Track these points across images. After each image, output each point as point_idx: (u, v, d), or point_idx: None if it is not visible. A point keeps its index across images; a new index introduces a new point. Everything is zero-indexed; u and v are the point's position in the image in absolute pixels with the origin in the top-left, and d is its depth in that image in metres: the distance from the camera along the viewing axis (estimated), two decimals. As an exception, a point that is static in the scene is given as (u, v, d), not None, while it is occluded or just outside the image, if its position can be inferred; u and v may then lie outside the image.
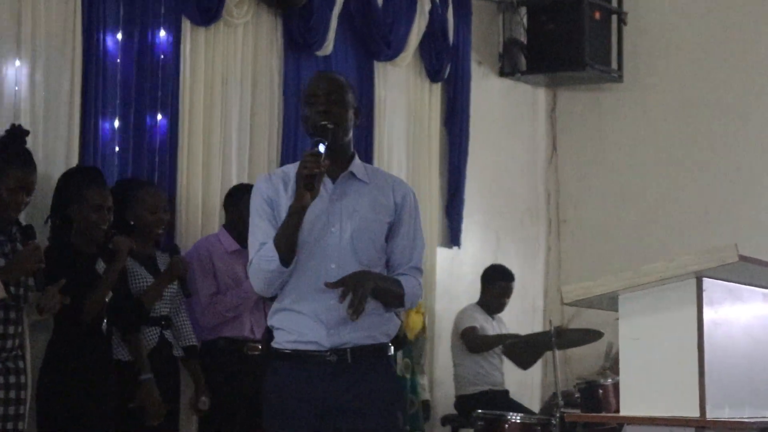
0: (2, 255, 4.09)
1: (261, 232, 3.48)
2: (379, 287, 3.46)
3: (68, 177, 4.70)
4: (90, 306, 4.49)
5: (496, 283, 6.94)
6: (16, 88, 4.82)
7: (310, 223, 3.44)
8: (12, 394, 4.08)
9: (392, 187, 3.60)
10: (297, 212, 3.37)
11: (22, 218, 4.49)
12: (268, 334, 3.64)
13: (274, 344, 3.53)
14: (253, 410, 5.01)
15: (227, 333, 5.24)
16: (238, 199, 5.33)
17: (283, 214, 3.42)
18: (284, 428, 3.47)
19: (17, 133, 4.32)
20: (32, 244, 4.07)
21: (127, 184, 5.04)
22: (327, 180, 3.48)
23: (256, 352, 5.27)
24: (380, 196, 3.57)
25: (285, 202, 3.46)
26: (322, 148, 3.38)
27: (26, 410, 4.16)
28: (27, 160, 4.25)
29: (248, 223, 5.22)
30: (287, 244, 3.39)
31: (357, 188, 3.54)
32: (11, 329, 4.09)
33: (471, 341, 6.75)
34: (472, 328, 6.76)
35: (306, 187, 3.34)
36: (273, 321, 3.53)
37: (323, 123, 3.45)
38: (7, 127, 4.38)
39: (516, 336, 6.77)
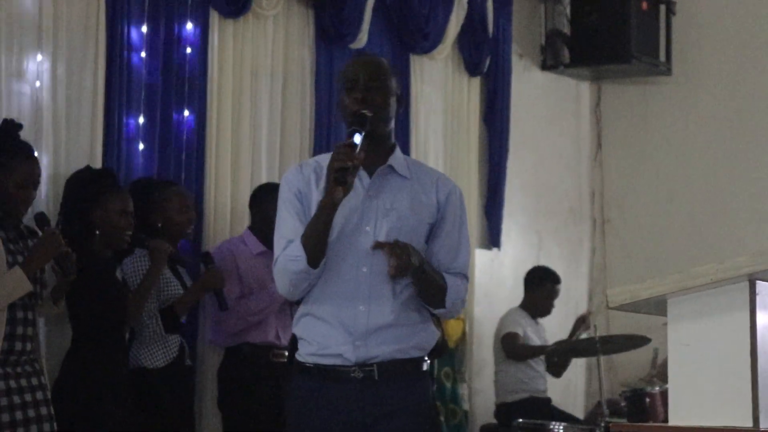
0: (18, 253, 4.06)
1: (288, 228, 3.24)
2: (426, 269, 3.20)
3: (84, 180, 4.59)
4: (133, 311, 4.54)
5: (544, 285, 6.86)
6: (38, 83, 4.74)
7: (342, 222, 3.20)
8: (39, 395, 4.08)
9: (436, 183, 3.35)
10: (327, 209, 3.14)
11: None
12: (293, 342, 3.40)
13: (297, 356, 3.29)
14: (277, 419, 4.93)
15: (252, 339, 5.13)
16: (263, 199, 5.27)
17: (314, 210, 3.19)
18: None
19: (10, 127, 4.20)
20: (49, 230, 4.04)
21: (147, 185, 4.95)
22: (363, 174, 3.24)
23: (282, 359, 5.15)
24: (422, 193, 3.31)
25: (316, 196, 3.23)
26: (358, 138, 3.14)
27: (52, 410, 4.13)
28: (30, 154, 4.17)
29: (274, 224, 5.17)
30: (316, 243, 3.16)
31: (396, 184, 3.28)
32: (29, 330, 4.09)
33: (511, 348, 6.66)
34: (514, 335, 6.68)
35: (337, 181, 3.09)
36: (297, 329, 3.30)
37: (362, 111, 3.21)
38: (7, 120, 4.27)
39: (560, 343, 6.62)
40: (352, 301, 3.19)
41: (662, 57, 7.77)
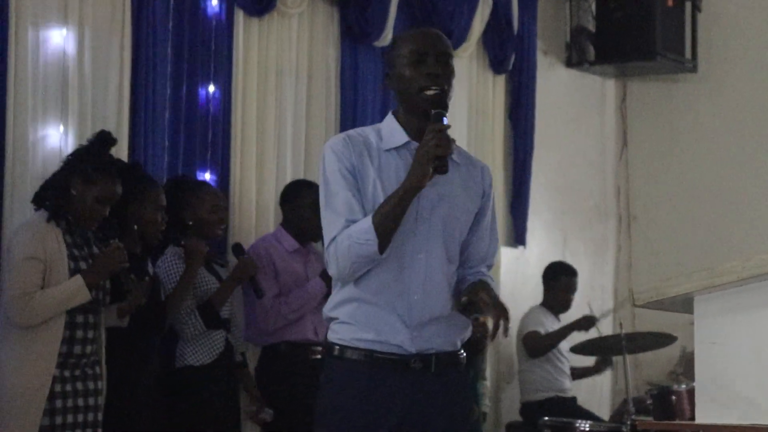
0: (82, 259, 4.10)
1: (344, 205, 3.04)
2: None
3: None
4: (169, 313, 4.55)
5: (559, 279, 6.83)
6: (64, 55, 4.72)
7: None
8: (91, 401, 4.11)
9: (482, 170, 3.26)
10: (412, 193, 3.00)
11: None
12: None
13: (338, 341, 3.11)
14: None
15: (289, 337, 5.12)
16: (295, 196, 5.27)
17: (369, 188, 3.05)
18: None
19: (105, 140, 4.24)
20: (114, 244, 4.08)
21: (180, 184, 4.95)
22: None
23: (320, 356, 5.13)
24: (470, 180, 3.22)
25: (372, 174, 3.06)
26: (446, 120, 3.02)
27: (101, 417, 4.16)
28: (113, 173, 4.20)
29: (307, 222, 5.18)
30: (393, 228, 3.01)
31: (450, 169, 3.11)
32: (90, 334, 4.12)
33: (532, 346, 6.61)
34: (535, 333, 6.62)
35: (438, 169, 2.97)
36: (337, 312, 3.12)
37: (440, 90, 3.07)
38: (104, 132, 4.34)
39: (579, 322, 6.58)
40: (407, 288, 3.08)
41: (688, 54, 7.72)
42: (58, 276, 4.01)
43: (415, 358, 3.08)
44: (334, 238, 3.04)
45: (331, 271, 3.09)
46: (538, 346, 6.62)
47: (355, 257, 3.01)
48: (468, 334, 3.24)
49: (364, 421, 3.08)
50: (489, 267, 3.29)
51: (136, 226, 4.47)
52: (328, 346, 3.15)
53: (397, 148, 3.13)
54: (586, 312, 6.64)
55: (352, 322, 3.10)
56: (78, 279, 4.00)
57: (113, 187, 4.16)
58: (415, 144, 3.09)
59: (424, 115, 3.08)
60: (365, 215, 3.04)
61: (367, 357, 3.08)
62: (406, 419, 3.09)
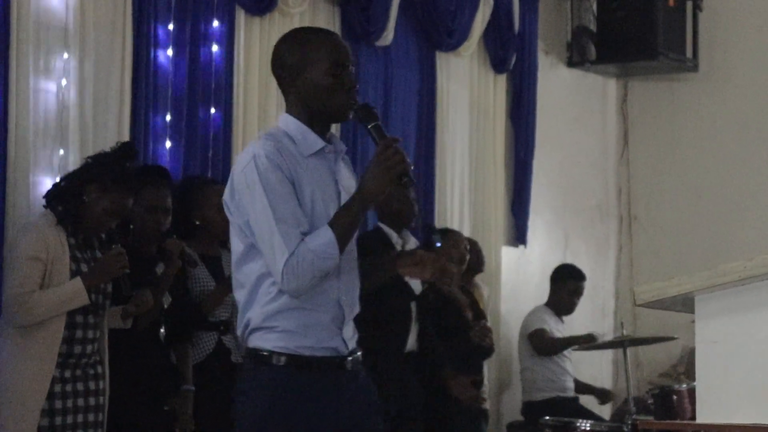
0: (84, 261, 4.09)
1: (295, 217, 2.94)
2: None
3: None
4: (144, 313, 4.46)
5: (567, 282, 6.82)
6: (65, 82, 4.73)
7: (327, 203, 3.04)
8: (92, 401, 4.10)
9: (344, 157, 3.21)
10: (370, 204, 3.02)
11: None
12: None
13: (274, 348, 3.01)
14: None
15: None
16: None
17: (307, 196, 2.97)
18: None
19: (128, 152, 4.23)
20: (116, 249, 4.07)
21: (191, 182, 4.91)
22: (331, 156, 3.09)
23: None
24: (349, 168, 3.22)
25: (309, 183, 2.99)
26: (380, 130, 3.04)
27: (105, 417, 4.15)
28: (130, 187, 4.21)
29: None
30: (350, 239, 2.99)
31: (341, 162, 3.15)
32: (90, 334, 4.10)
33: (540, 344, 6.61)
34: (542, 331, 6.63)
35: (405, 183, 2.97)
36: (274, 322, 3.02)
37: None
38: (126, 144, 4.37)
39: (587, 337, 6.59)
40: (341, 291, 3.05)
41: (689, 53, 7.71)
42: (60, 277, 4.00)
43: (346, 358, 3.07)
44: (293, 253, 2.92)
45: (288, 286, 2.95)
46: (546, 345, 6.62)
47: (318, 271, 2.95)
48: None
49: (310, 424, 3.02)
50: None
51: (131, 226, 4.45)
52: (258, 353, 3.03)
53: (315, 153, 3.04)
54: (592, 331, 6.69)
55: (292, 329, 3.01)
56: (77, 282, 3.99)
57: (125, 201, 4.13)
58: (329, 147, 3.06)
59: (335, 120, 3.09)
60: (307, 223, 2.98)
61: (312, 360, 3.02)
62: (346, 418, 3.06)
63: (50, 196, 4.14)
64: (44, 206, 4.15)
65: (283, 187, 2.94)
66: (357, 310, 3.14)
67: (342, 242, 2.95)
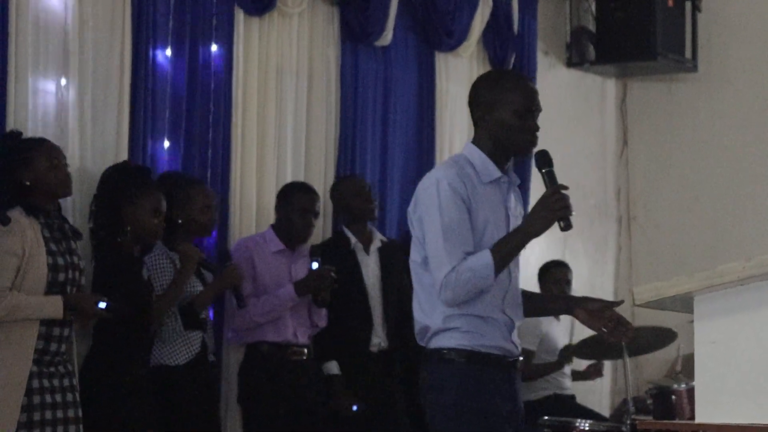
0: (60, 254, 4.07)
1: (462, 237, 3.37)
2: None
3: (119, 176, 4.57)
4: (157, 315, 4.53)
5: (550, 272, 6.79)
6: (64, 81, 4.72)
7: (498, 227, 3.47)
8: (69, 397, 4.09)
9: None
10: (531, 239, 3.40)
11: (69, 216, 4.47)
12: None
13: (466, 347, 3.42)
14: (295, 416, 4.94)
15: (269, 337, 5.14)
16: (286, 198, 5.28)
17: (480, 220, 3.39)
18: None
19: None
20: (94, 297, 4.14)
21: (173, 180, 4.91)
22: (505, 186, 3.51)
23: (299, 357, 5.18)
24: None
25: (481, 205, 3.41)
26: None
27: (80, 413, 4.14)
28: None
29: (294, 225, 5.20)
30: (507, 265, 3.40)
31: (513, 192, 3.59)
32: (66, 332, 4.10)
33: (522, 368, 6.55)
34: (526, 353, 6.52)
35: (566, 228, 3.38)
36: (456, 323, 3.43)
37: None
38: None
39: (564, 358, 6.56)
40: (507, 301, 3.48)
41: (688, 54, 7.69)
42: (37, 270, 3.97)
43: (517, 359, 3.52)
44: (454, 268, 3.33)
45: (445, 297, 3.36)
46: (524, 370, 6.55)
47: (474, 288, 3.35)
48: None
49: (502, 413, 3.44)
50: None
51: (129, 228, 4.46)
52: (443, 352, 3.44)
53: (492, 182, 3.46)
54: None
55: (474, 330, 3.42)
56: (58, 300, 3.98)
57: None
58: (504, 178, 3.49)
59: (514, 156, 3.52)
60: (473, 244, 3.38)
61: (496, 358, 3.44)
62: (517, 410, 3.51)
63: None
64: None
65: (457, 211, 3.36)
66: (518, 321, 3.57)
67: (499, 266, 3.35)
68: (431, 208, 3.38)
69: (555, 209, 3.35)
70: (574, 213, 3.41)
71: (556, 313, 4.00)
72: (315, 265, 5.11)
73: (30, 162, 4.08)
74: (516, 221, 3.52)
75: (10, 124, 4.45)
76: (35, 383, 3.98)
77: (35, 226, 4.02)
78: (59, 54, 4.72)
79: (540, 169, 3.45)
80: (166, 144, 5.15)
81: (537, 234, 3.39)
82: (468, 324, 3.41)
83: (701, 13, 7.71)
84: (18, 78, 4.50)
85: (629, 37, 7.41)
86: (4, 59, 4.45)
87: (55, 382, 4.06)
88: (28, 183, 4.06)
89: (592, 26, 7.64)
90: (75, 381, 4.15)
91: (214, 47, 5.35)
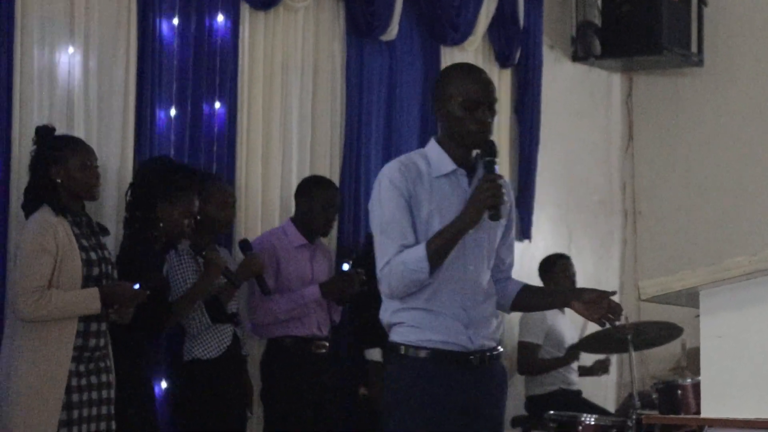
0: (91, 249, 4.13)
1: (402, 232, 3.41)
2: None
3: (162, 170, 4.55)
4: (176, 315, 4.55)
5: (555, 265, 6.78)
6: (70, 76, 4.73)
7: (446, 221, 3.44)
8: (104, 394, 4.13)
9: (507, 186, 3.57)
10: (465, 232, 3.39)
11: (92, 213, 4.46)
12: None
13: (405, 342, 3.45)
14: (320, 409, 5.00)
15: (294, 331, 5.14)
16: (307, 192, 5.28)
17: (424, 213, 3.41)
18: (429, 429, 3.42)
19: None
20: (139, 292, 4.15)
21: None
22: (464, 179, 3.49)
23: (323, 350, 5.19)
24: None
25: (426, 199, 3.43)
26: (497, 168, 3.39)
27: (113, 410, 4.17)
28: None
29: (316, 219, 5.19)
30: (443, 258, 3.40)
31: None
32: (103, 326, 4.13)
33: (523, 360, 6.58)
34: (532, 347, 6.54)
35: (492, 217, 3.37)
36: (401, 317, 3.47)
37: (491, 139, 3.45)
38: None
39: (572, 354, 6.55)
40: (460, 295, 3.46)
41: (694, 48, 7.68)
42: (73, 266, 4.01)
43: (473, 354, 3.46)
44: (388, 262, 3.39)
45: (383, 289, 3.44)
46: (530, 363, 6.56)
47: (408, 281, 3.39)
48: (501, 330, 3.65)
49: (437, 409, 3.41)
50: (512, 268, 3.71)
51: (161, 225, 4.47)
52: (393, 346, 3.49)
53: (446, 175, 3.46)
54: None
55: (417, 325, 3.45)
56: (95, 292, 4.01)
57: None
58: (461, 171, 3.47)
59: (469, 148, 3.48)
60: (416, 237, 3.41)
61: (436, 353, 3.43)
62: (466, 407, 3.45)
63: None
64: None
65: (396, 206, 3.40)
66: (486, 314, 3.55)
67: (433, 259, 3.36)
68: (374, 203, 3.46)
69: (483, 199, 3.35)
70: (506, 202, 3.42)
71: (554, 307, 3.96)
72: (346, 267, 5.12)
73: (64, 160, 4.11)
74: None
75: (17, 96, 4.46)
76: (74, 381, 4.01)
77: (64, 223, 4.05)
78: (65, 48, 4.71)
79: (482, 158, 3.46)
80: (172, 138, 5.11)
81: (470, 225, 3.39)
82: (413, 318, 3.44)
83: (707, 7, 7.71)
84: (23, 50, 4.51)
85: (635, 31, 7.40)
86: (10, 54, 4.45)
87: (93, 379, 4.08)
88: (59, 180, 4.09)
89: (597, 20, 7.62)
90: (111, 377, 4.17)
91: (219, 42, 5.32)
